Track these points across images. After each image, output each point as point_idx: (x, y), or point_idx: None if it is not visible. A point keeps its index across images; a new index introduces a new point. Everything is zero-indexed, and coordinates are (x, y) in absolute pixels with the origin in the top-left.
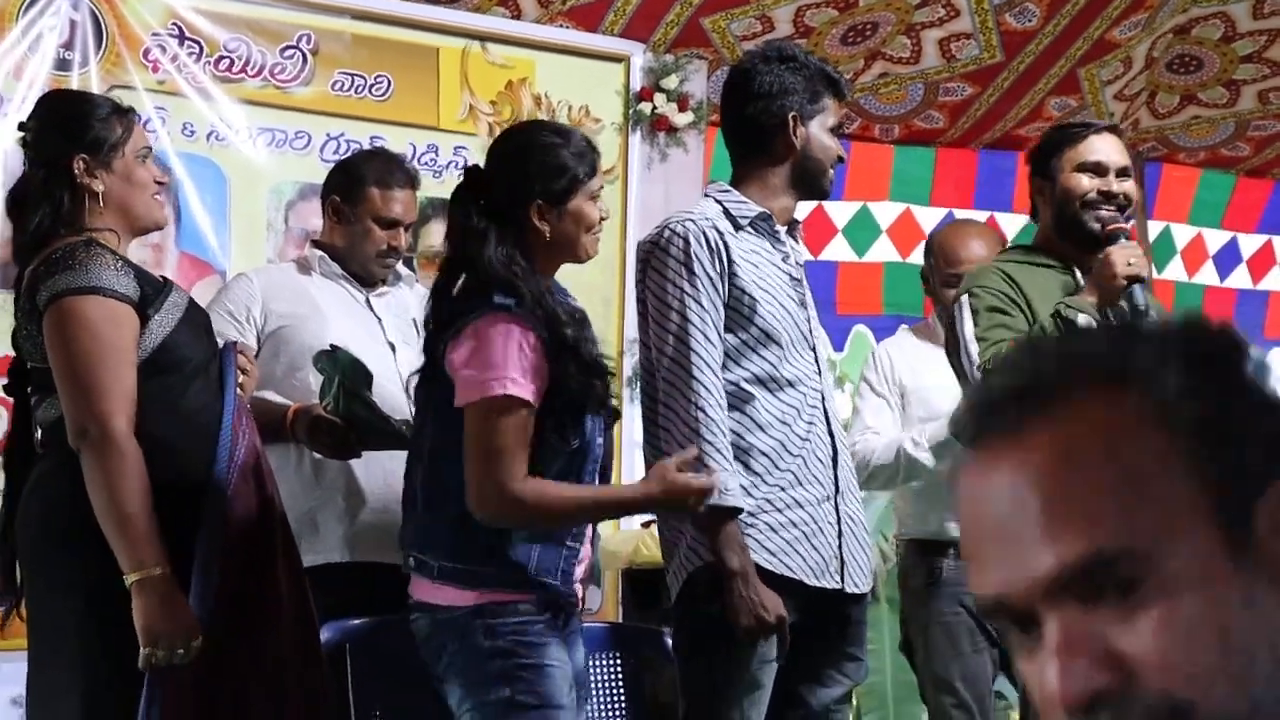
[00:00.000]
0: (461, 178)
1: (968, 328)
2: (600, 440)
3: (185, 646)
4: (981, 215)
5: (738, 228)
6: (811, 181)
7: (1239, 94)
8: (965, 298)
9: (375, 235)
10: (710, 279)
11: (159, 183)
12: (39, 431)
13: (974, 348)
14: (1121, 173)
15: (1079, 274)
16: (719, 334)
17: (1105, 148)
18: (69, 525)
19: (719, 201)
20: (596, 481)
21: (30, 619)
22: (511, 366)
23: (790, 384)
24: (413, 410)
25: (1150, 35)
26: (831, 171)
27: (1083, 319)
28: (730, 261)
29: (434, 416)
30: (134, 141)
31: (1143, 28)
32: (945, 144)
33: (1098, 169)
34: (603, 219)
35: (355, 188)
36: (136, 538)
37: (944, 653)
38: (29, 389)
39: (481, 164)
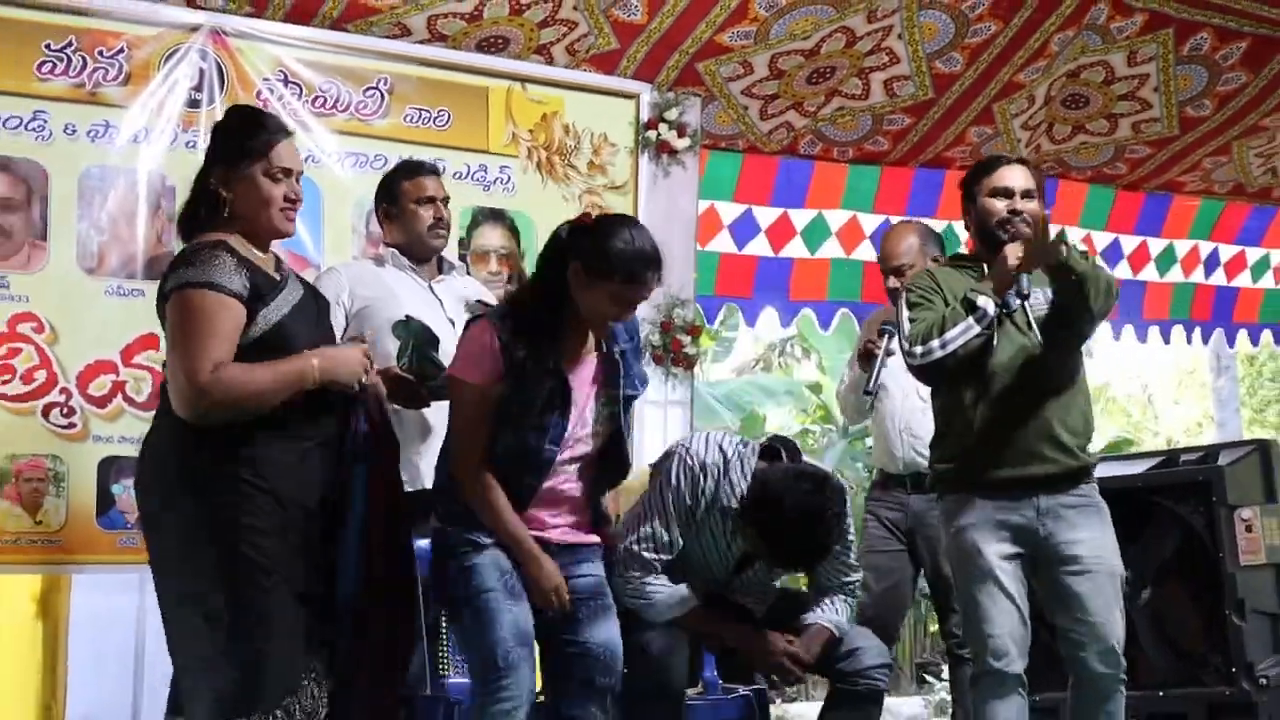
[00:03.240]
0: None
1: (904, 315)
2: None
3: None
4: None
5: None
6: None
7: (1117, 125)
8: (904, 294)
9: (419, 214)
10: None
11: (290, 200)
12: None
13: (906, 328)
14: (1025, 194)
15: (987, 268)
16: None
17: (1012, 175)
18: (165, 474)
19: None
20: None
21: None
22: None
23: None
24: None
25: (1048, 78)
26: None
27: (982, 300)
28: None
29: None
30: (272, 160)
31: (1042, 73)
32: (888, 163)
33: (1006, 193)
34: None
35: (391, 188)
36: (288, 376)
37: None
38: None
39: (520, 182)
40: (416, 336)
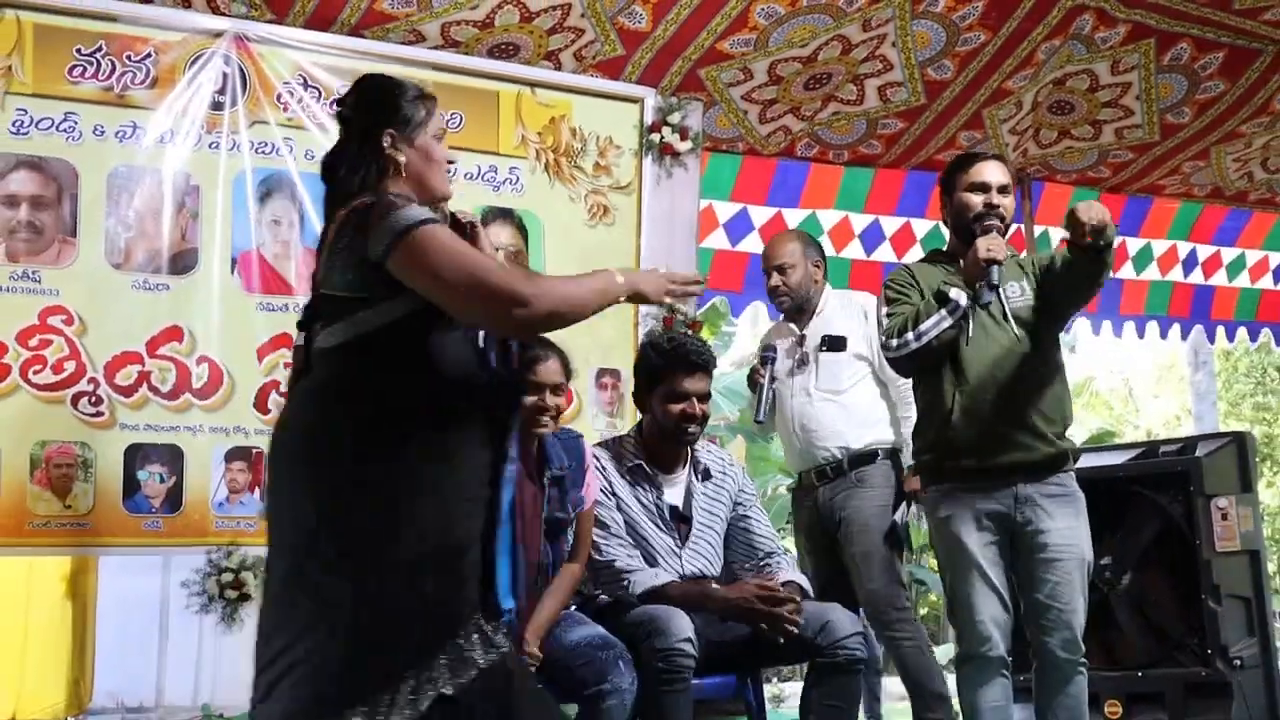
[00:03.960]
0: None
1: (881, 311)
2: None
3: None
4: (899, 220)
5: None
6: None
7: (1100, 131)
8: (883, 289)
9: None
10: None
11: (450, 162)
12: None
13: (884, 323)
14: (1002, 190)
15: (963, 263)
16: None
17: (989, 170)
18: (303, 442)
19: None
20: None
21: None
22: None
23: None
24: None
25: (1035, 86)
26: None
27: (954, 292)
28: None
29: None
30: (434, 124)
31: (1029, 80)
32: (882, 166)
33: (983, 188)
34: None
35: None
36: (596, 284)
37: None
38: (313, 323)
39: (529, 183)
40: None
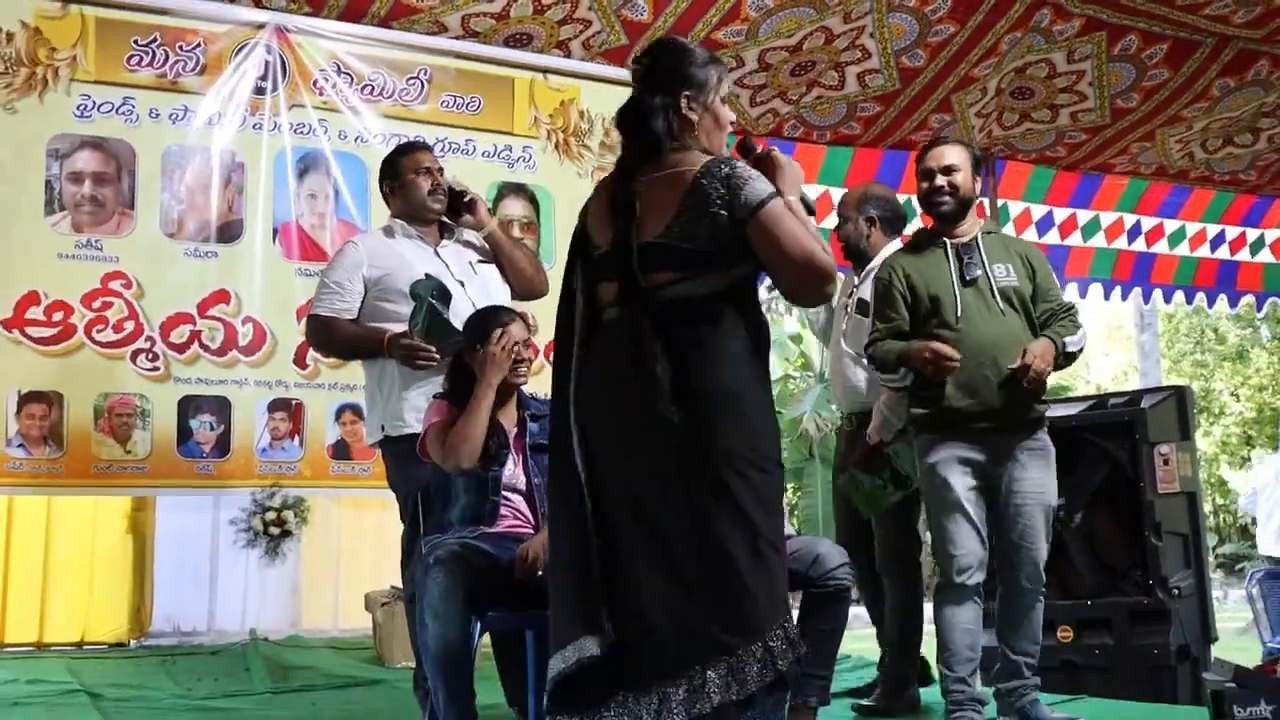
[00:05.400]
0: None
1: (872, 310)
2: None
3: None
4: None
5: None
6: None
7: (1058, 114)
8: (874, 284)
9: (418, 183)
10: None
11: (730, 123)
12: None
13: (868, 325)
14: (945, 170)
15: (949, 242)
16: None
17: (934, 155)
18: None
19: None
20: None
21: None
22: None
23: None
24: None
25: (999, 73)
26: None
27: (903, 372)
28: None
29: None
30: (722, 89)
31: (994, 68)
32: (861, 145)
33: (927, 173)
34: None
35: (391, 166)
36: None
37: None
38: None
39: (541, 161)
40: (435, 290)
